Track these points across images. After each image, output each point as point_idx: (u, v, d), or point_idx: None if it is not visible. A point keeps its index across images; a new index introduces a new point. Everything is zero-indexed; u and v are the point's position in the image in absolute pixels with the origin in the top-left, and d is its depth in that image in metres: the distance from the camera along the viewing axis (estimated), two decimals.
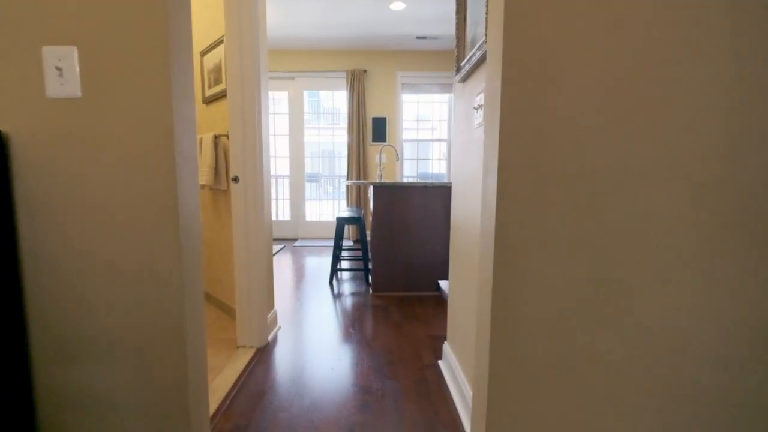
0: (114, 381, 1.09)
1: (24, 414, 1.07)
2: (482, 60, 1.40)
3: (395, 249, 3.25)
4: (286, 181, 6.15)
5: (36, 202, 1.02)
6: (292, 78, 5.91)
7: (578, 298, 0.97)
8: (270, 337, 2.34)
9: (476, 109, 1.47)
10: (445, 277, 3.31)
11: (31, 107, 1.00)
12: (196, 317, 1.16)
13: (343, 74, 5.82)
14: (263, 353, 2.16)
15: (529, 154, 0.94)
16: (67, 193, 1.02)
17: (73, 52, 0.99)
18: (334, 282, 3.65)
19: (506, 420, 1.00)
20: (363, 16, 4.57)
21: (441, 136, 6.14)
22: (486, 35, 1.27)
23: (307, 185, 6.19)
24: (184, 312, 1.08)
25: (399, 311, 2.87)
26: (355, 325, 2.59)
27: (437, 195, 3.21)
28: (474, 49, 1.44)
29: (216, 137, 2.51)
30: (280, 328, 2.54)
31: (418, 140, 6.13)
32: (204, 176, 2.53)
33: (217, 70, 2.57)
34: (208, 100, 2.72)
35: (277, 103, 6.05)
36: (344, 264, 4.37)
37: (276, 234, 6.21)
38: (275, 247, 5.34)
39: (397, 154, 4.21)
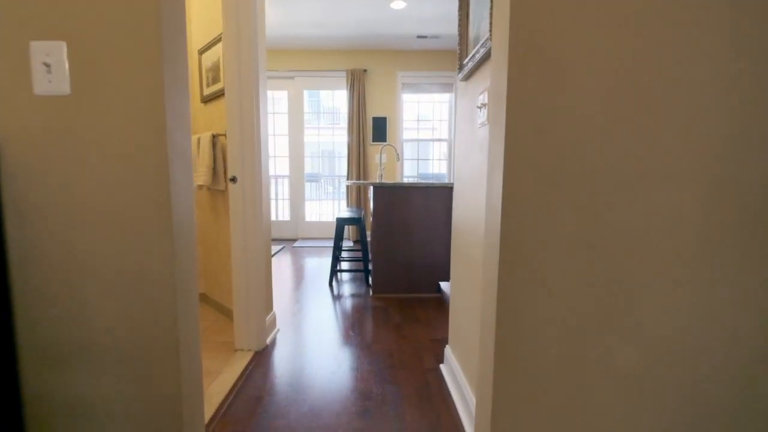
0: (105, 387, 1.05)
1: (12, 422, 1.03)
2: (486, 57, 1.36)
3: (395, 250, 3.21)
4: (286, 181, 6.11)
5: (24, 203, 0.99)
6: (292, 77, 5.87)
7: (587, 303, 0.93)
8: (268, 340, 2.30)
9: (479, 107, 1.43)
10: (446, 279, 3.27)
11: (18, 105, 0.96)
12: (190, 321, 1.12)
13: (343, 74, 5.78)
14: (261, 357, 2.12)
15: (535, 153, 0.91)
16: (55, 193, 0.98)
17: (61, 47, 0.95)
18: (334, 283, 3.62)
19: (511, 431, 0.96)
20: (363, 15, 4.54)
21: (441, 136, 6.10)
22: (490, 31, 1.24)
23: (307, 185, 6.16)
24: (177, 316, 1.04)
25: (399, 313, 2.83)
26: (355, 328, 2.55)
27: (438, 195, 3.18)
28: (477, 46, 1.40)
29: (214, 136, 2.47)
30: (278, 330, 2.50)
31: (418, 140, 6.10)
32: (202, 176, 2.50)
33: (215, 69, 2.53)
34: (207, 99, 2.68)
35: (276, 102, 6.01)
36: (344, 265, 4.33)
37: (275, 234, 6.17)
38: (274, 248, 5.31)
39: (398, 154, 4.17)
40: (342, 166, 6.16)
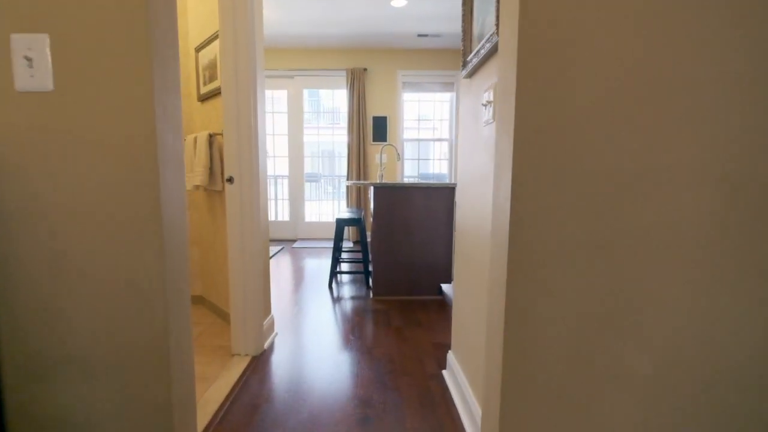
0: (91, 400, 1.00)
1: None
2: (492, 53, 1.31)
3: (396, 251, 3.16)
4: (286, 181, 6.05)
5: (4, 205, 0.93)
6: (291, 77, 5.82)
7: (600, 309, 0.88)
8: (266, 345, 2.25)
9: (484, 105, 1.38)
10: (448, 281, 3.21)
11: None
12: (182, 327, 1.07)
13: (343, 73, 5.73)
14: (259, 362, 2.06)
15: (546, 153, 0.86)
16: (37, 195, 0.93)
17: (44, 40, 0.90)
18: (334, 285, 3.56)
19: None
20: (363, 13, 4.48)
21: (442, 135, 6.05)
22: (497, 26, 1.18)
23: (307, 185, 6.10)
24: (168, 323, 0.99)
25: (400, 316, 2.77)
26: (355, 332, 2.49)
27: (439, 196, 3.12)
28: (482, 42, 1.34)
29: (211, 136, 2.42)
30: (277, 334, 2.45)
31: (419, 140, 6.04)
32: (198, 176, 2.44)
33: (212, 67, 2.48)
34: (203, 98, 2.63)
35: (276, 102, 5.96)
36: (344, 266, 4.28)
37: (274, 235, 6.12)
38: (273, 249, 5.25)
39: (398, 154, 4.11)
40: (342, 166, 6.10)
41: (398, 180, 5.83)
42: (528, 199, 0.87)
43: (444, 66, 5.73)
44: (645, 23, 0.82)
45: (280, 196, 6.11)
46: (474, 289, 1.54)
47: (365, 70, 5.67)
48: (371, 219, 3.18)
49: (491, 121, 1.32)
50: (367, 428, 1.52)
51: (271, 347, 2.25)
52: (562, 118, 0.85)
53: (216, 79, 2.43)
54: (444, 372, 1.95)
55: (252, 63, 2.00)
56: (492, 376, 0.97)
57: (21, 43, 0.89)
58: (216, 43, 2.39)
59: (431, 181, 4.17)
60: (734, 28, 0.81)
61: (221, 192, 2.48)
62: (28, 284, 0.95)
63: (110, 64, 0.91)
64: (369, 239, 5.30)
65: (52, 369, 0.99)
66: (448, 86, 5.82)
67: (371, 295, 3.25)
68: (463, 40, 1.60)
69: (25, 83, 0.90)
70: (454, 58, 5.72)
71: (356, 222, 3.43)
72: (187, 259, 1.09)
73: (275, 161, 6.04)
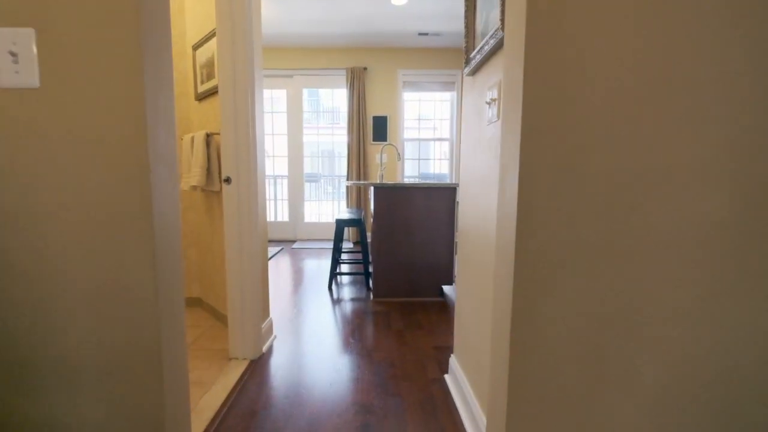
0: (80, 411, 0.96)
1: None
2: (496, 48, 1.27)
3: (397, 252, 3.12)
4: (285, 182, 6.01)
5: None
6: (291, 76, 5.78)
7: (610, 316, 0.84)
8: (265, 348, 2.21)
9: (488, 103, 1.34)
10: (449, 282, 3.17)
11: None
12: (175, 336, 1.03)
13: (343, 72, 5.69)
14: (257, 366, 2.02)
15: (554, 153, 0.82)
16: (22, 197, 0.89)
17: (30, 35, 0.86)
18: (334, 286, 3.52)
19: None
20: (363, 11, 4.44)
21: (443, 135, 6.01)
22: (502, 20, 1.14)
23: (306, 185, 6.06)
24: (160, 330, 0.95)
25: (401, 319, 2.73)
26: (355, 335, 2.45)
27: (440, 196, 3.08)
28: (486, 38, 1.30)
29: (208, 135, 2.38)
30: (275, 337, 2.40)
31: (419, 139, 6.00)
32: (195, 177, 2.40)
33: (209, 65, 2.43)
34: (201, 97, 2.59)
35: (275, 101, 5.92)
36: (344, 268, 4.24)
37: (274, 235, 6.08)
38: (273, 250, 5.21)
39: (399, 154, 4.07)
40: (342, 166, 6.06)
41: (398, 180, 5.78)
42: (535, 199, 0.83)
43: (445, 65, 5.69)
44: (668, 10, 0.78)
45: (279, 197, 6.07)
46: (477, 291, 1.50)
47: (365, 69, 5.63)
48: (371, 219, 3.14)
49: (495, 119, 1.28)
50: None
51: (270, 351, 2.21)
52: (572, 116, 0.82)
53: (213, 77, 2.39)
54: (446, 376, 1.91)
55: (250, 61, 1.96)
56: (498, 380, 0.93)
57: (6, 37, 0.85)
58: (213, 41, 2.35)
59: (432, 181, 4.13)
60: (755, 23, 0.77)
61: (219, 193, 2.44)
62: (11, 288, 0.91)
63: (99, 59, 0.87)
64: (369, 240, 5.25)
65: (38, 377, 0.95)
66: (448, 85, 5.78)
67: (371, 296, 3.21)
68: (466, 36, 1.56)
69: (9, 79, 0.86)
70: (455, 57, 5.68)
71: (356, 222, 3.39)
72: (180, 261, 1.05)
73: (275, 161, 6.00)
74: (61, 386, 0.95)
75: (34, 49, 0.86)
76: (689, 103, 0.79)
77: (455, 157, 5.91)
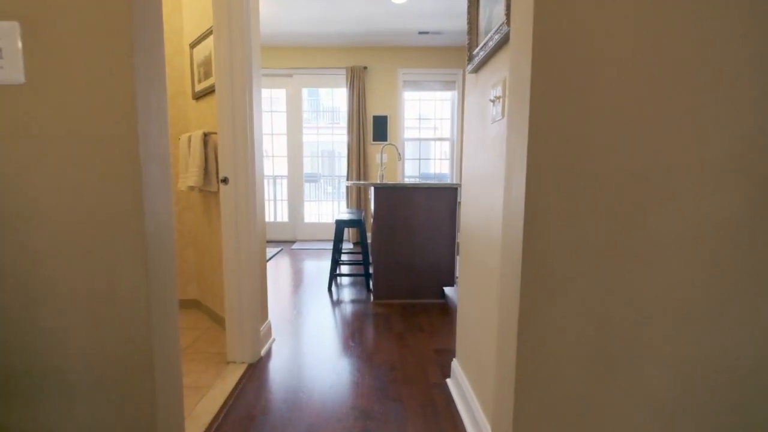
0: (69, 421, 0.92)
1: None
2: (501, 44, 1.23)
3: (397, 253, 3.08)
4: (284, 182, 5.98)
5: None
6: (290, 75, 5.74)
7: (620, 321, 0.81)
8: (263, 351, 2.17)
9: (492, 101, 1.30)
10: (450, 284, 3.13)
11: None
12: (168, 343, 0.99)
13: (343, 71, 5.65)
14: (255, 369, 1.98)
15: (563, 152, 0.79)
16: (6, 199, 0.85)
17: (14, 28, 0.82)
18: (333, 288, 3.48)
19: None
20: (363, 10, 4.40)
21: (444, 135, 5.97)
22: (507, 15, 1.10)
23: (306, 186, 6.02)
24: (152, 337, 0.91)
25: (402, 321, 2.69)
26: (355, 337, 2.41)
27: (441, 196, 3.04)
28: (490, 33, 1.26)
29: (206, 135, 2.34)
30: (274, 340, 2.36)
31: (420, 139, 5.96)
32: (193, 177, 2.36)
33: (207, 63, 2.40)
34: (198, 96, 2.55)
35: (274, 101, 5.88)
36: (344, 269, 4.20)
37: (273, 236, 6.04)
38: (272, 250, 5.17)
39: (399, 154, 4.03)
40: (342, 166, 6.02)
41: (399, 180, 5.74)
42: (543, 200, 0.80)
43: (445, 64, 5.65)
44: (685, 12, 0.74)
45: (279, 197, 6.03)
46: (480, 292, 1.46)
47: (365, 68, 5.59)
48: (371, 220, 3.10)
49: (499, 117, 1.24)
50: None
51: (269, 354, 2.17)
52: (580, 114, 0.78)
53: (211, 76, 2.35)
54: (448, 381, 1.87)
55: (248, 59, 1.92)
56: (504, 384, 0.89)
57: None
58: (210, 39, 2.31)
59: (433, 181, 4.09)
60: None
61: (216, 193, 2.40)
62: None
63: (88, 54, 0.83)
64: (369, 241, 5.22)
65: (25, 385, 0.91)
66: (449, 84, 5.74)
67: (372, 298, 3.17)
68: (469, 33, 1.52)
69: None
70: (456, 55, 5.64)
71: (356, 223, 3.36)
72: (174, 261, 1.01)
73: (274, 161, 5.96)
74: (50, 393, 0.91)
75: (20, 44, 0.82)
76: (697, 104, 0.76)
77: (456, 157, 5.87)
